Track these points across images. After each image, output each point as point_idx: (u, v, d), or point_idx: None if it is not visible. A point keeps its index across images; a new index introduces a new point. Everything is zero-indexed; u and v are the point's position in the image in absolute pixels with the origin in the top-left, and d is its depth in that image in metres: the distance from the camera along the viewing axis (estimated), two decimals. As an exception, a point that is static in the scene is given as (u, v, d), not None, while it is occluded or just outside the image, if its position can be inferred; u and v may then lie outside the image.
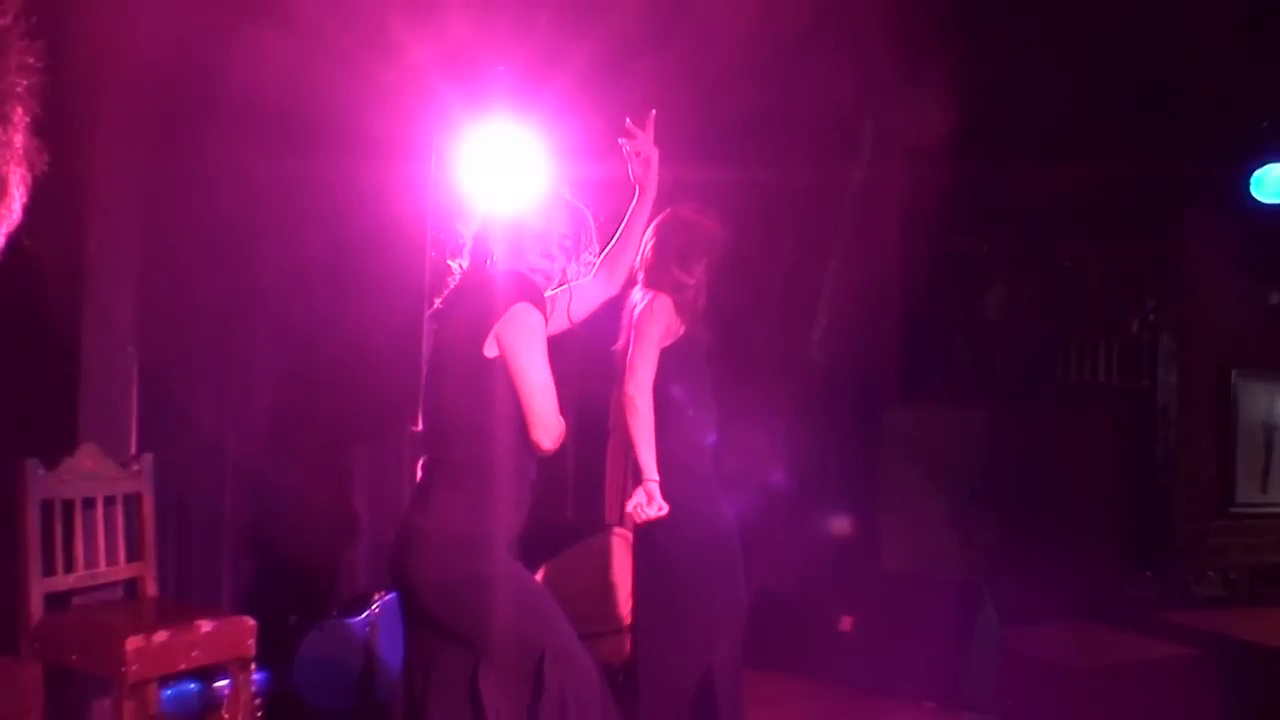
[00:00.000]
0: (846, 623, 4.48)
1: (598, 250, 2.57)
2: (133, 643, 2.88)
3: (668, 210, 3.50)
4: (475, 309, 2.34)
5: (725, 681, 3.28)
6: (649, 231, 3.47)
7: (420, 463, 2.48)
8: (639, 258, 3.46)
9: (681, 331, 3.33)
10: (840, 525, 5.05)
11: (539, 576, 4.46)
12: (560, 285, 2.58)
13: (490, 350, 2.30)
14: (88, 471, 3.29)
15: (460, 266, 2.50)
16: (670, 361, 3.31)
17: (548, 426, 2.30)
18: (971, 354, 5.81)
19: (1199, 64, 5.30)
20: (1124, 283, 6.25)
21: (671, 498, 3.22)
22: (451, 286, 2.50)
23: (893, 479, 5.70)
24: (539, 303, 2.35)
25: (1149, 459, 6.38)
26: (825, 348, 5.06)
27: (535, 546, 4.68)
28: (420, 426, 2.53)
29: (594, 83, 4.72)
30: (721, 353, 3.79)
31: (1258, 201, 5.58)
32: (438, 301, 2.52)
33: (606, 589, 4.61)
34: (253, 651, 3.16)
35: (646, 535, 3.35)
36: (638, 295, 3.36)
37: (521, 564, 2.48)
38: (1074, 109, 5.47)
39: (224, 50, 3.93)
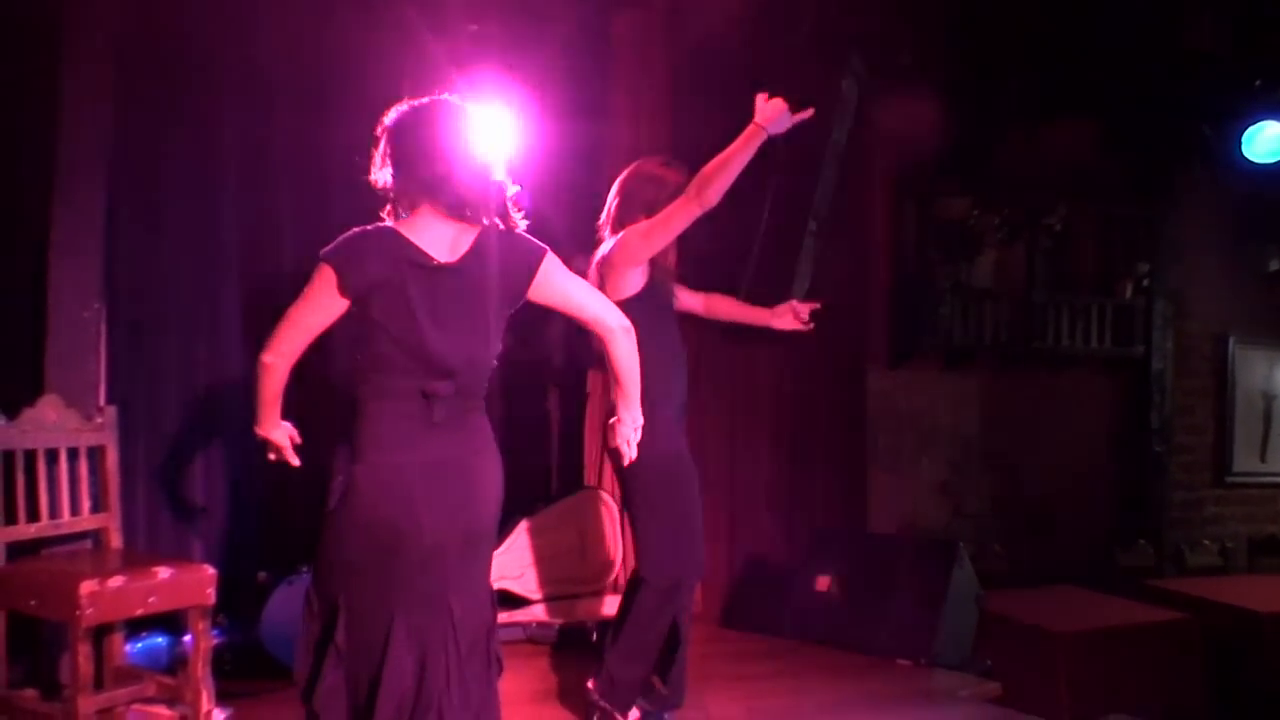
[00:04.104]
0: (823, 582, 4.45)
1: None
2: (87, 586, 2.87)
3: (633, 165, 3.46)
4: None
5: (683, 629, 3.28)
6: (614, 187, 3.42)
7: None
8: (604, 214, 3.41)
9: (645, 281, 3.30)
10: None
11: (520, 530, 4.45)
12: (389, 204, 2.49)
13: None
14: (49, 423, 3.29)
15: None
16: (638, 311, 3.27)
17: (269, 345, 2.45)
18: (962, 319, 5.74)
19: (1193, 23, 5.21)
20: (1118, 247, 6.15)
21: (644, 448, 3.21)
22: None
23: (881, 444, 5.66)
24: (338, 255, 2.31)
25: (1144, 427, 6.30)
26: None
27: (517, 507, 4.69)
28: None
29: (575, 44, 4.70)
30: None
31: (1255, 164, 5.48)
32: None
33: (584, 550, 4.61)
34: (212, 600, 3.15)
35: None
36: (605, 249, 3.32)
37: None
38: (1067, 71, 5.38)
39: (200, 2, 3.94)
